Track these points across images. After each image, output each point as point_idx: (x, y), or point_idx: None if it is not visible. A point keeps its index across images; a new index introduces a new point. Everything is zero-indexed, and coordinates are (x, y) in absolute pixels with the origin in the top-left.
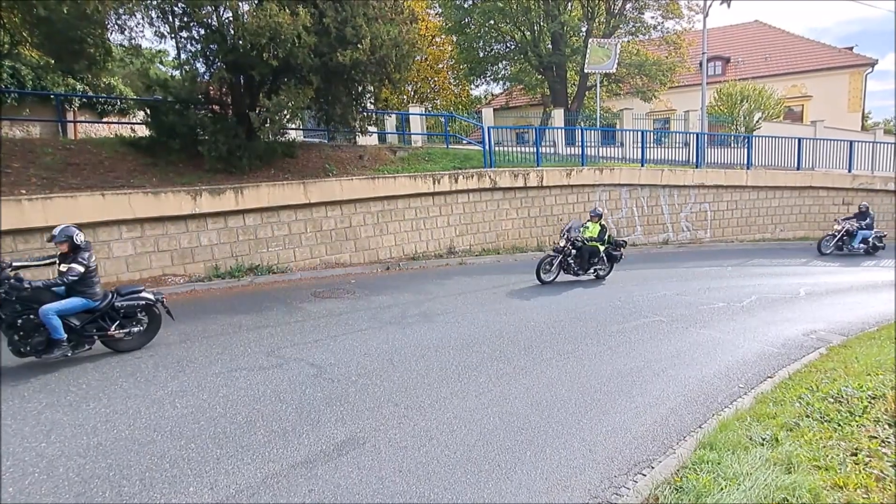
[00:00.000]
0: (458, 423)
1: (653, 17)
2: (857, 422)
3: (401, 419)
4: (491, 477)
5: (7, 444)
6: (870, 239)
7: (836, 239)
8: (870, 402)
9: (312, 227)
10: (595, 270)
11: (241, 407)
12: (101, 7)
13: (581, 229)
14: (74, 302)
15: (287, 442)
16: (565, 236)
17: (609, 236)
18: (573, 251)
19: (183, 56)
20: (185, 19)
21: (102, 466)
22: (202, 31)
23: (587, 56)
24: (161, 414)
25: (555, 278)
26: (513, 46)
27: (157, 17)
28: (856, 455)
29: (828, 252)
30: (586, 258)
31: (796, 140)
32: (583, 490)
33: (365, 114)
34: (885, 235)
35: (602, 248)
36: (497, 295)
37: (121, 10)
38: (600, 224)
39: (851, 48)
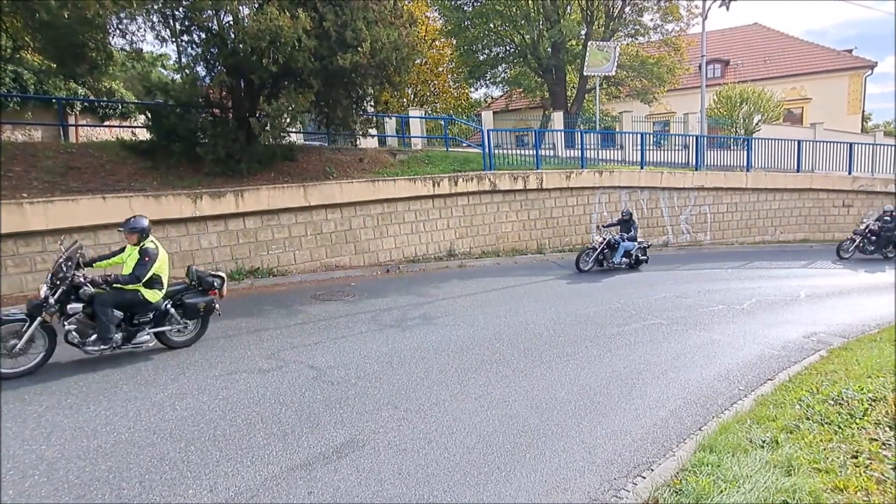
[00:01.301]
0: (458, 425)
1: (652, 20)
2: (857, 424)
3: (400, 422)
4: (490, 479)
5: (7, 446)
6: (633, 252)
7: (596, 253)
8: (870, 405)
9: (312, 229)
10: (164, 335)
11: (241, 409)
12: (102, 12)
13: (74, 259)
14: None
15: (286, 444)
16: (56, 273)
17: (195, 273)
18: (77, 307)
19: (184, 60)
20: (186, 23)
21: (102, 469)
22: (203, 35)
23: (586, 59)
24: (161, 416)
25: (34, 367)
26: (512, 49)
27: (159, 21)
28: (856, 458)
29: (586, 269)
30: (110, 318)
31: (796, 142)
32: (582, 493)
33: (365, 117)
34: (649, 246)
35: (149, 295)
36: (496, 297)
37: (122, 15)
38: (142, 247)
39: (851, 50)
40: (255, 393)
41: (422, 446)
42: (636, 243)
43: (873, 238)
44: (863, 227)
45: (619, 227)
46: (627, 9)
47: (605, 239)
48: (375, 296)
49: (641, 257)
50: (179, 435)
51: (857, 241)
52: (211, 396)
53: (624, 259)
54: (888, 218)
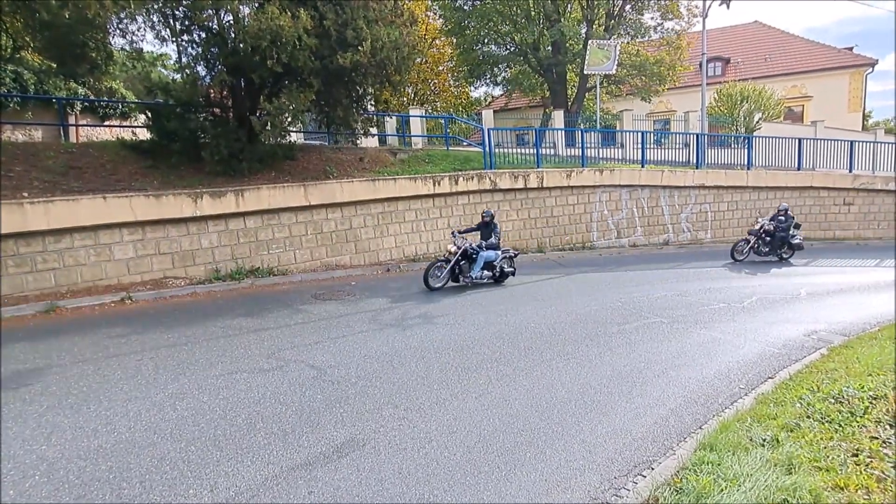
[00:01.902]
0: (458, 424)
1: (652, 18)
2: (858, 422)
3: (400, 421)
4: (491, 478)
5: (8, 446)
6: (496, 263)
7: (450, 265)
8: (871, 403)
9: (313, 229)
10: None
11: (242, 409)
12: (102, 12)
13: None
14: None
15: (287, 444)
16: None
17: None
18: None
19: (184, 59)
20: (186, 23)
21: (103, 469)
22: (203, 35)
23: (587, 58)
24: (161, 416)
25: None
26: (512, 49)
27: (159, 20)
28: (857, 456)
29: (438, 286)
30: None
31: (797, 140)
32: (583, 491)
33: (366, 116)
34: (516, 255)
35: None
36: (497, 296)
37: (122, 15)
38: None
39: (851, 48)
40: (255, 392)
41: (422, 445)
42: (499, 252)
43: (768, 239)
44: (757, 227)
45: (478, 232)
46: (628, 7)
47: (459, 248)
48: (376, 295)
49: (507, 269)
50: (180, 435)
51: (752, 241)
52: (211, 396)
53: (486, 272)
54: (782, 217)
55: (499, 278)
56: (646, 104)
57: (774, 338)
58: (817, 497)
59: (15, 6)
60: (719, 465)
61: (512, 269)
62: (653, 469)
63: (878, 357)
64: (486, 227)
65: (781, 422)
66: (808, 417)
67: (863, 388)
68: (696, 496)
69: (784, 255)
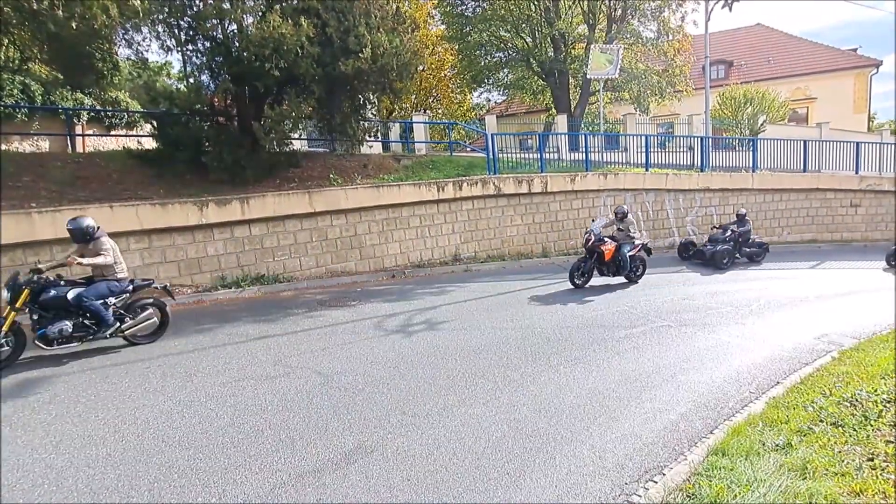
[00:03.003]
0: (466, 430)
1: (650, 29)
2: (872, 426)
3: (408, 427)
4: (500, 485)
5: (17, 455)
6: (106, 302)
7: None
8: (885, 406)
9: (317, 235)
10: None
11: (249, 416)
12: (109, 23)
13: None
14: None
15: (295, 451)
16: None
17: None
18: None
19: (188, 68)
20: (191, 33)
21: (111, 477)
22: (207, 44)
23: (589, 62)
24: (169, 424)
25: None
26: (514, 54)
27: (164, 30)
28: (872, 460)
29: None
30: None
31: (802, 142)
32: (593, 497)
33: (367, 123)
34: (164, 287)
35: None
36: (502, 301)
37: (128, 25)
38: None
39: (855, 49)
40: (262, 399)
41: (430, 452)
42: (115, 285)
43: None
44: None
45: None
46: (629, 13)
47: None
48: (381, 301)
49: (124, 325)
50: (188, 443)
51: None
52: (219, 403)
53: (68, 326)
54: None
55: (120, 331)
56: (645, 113)
57: (784, 341)
58: (834, 502)
59: (23, 18)
60: (732, 470)
61: (148, 316)
62: (664, 475)
63: (891, 360)
64: (79, 237)
65: (794, 426)
66: (822, 421)
67: (876, 391)
68: (710, 502)
69: (634, 276)
